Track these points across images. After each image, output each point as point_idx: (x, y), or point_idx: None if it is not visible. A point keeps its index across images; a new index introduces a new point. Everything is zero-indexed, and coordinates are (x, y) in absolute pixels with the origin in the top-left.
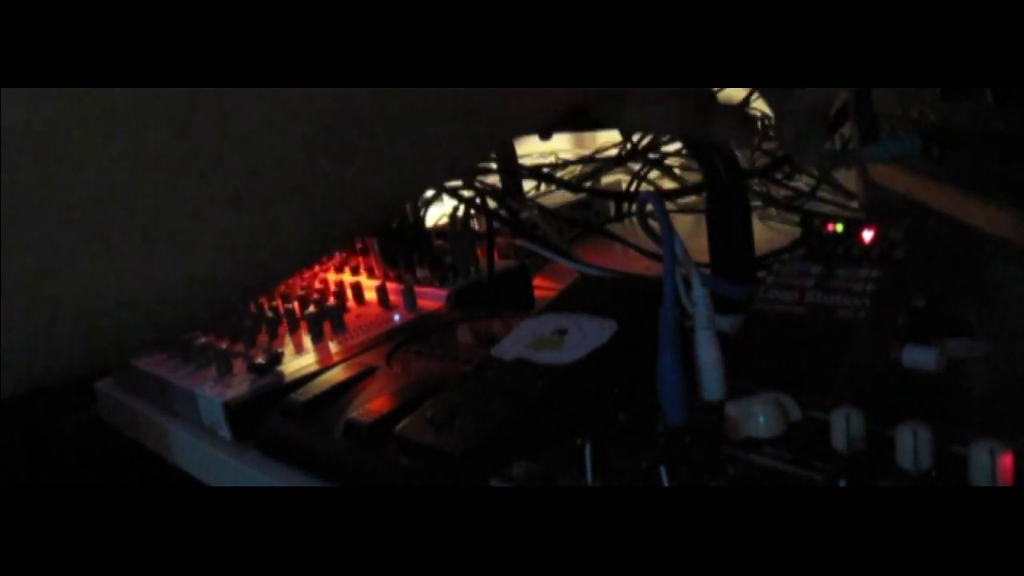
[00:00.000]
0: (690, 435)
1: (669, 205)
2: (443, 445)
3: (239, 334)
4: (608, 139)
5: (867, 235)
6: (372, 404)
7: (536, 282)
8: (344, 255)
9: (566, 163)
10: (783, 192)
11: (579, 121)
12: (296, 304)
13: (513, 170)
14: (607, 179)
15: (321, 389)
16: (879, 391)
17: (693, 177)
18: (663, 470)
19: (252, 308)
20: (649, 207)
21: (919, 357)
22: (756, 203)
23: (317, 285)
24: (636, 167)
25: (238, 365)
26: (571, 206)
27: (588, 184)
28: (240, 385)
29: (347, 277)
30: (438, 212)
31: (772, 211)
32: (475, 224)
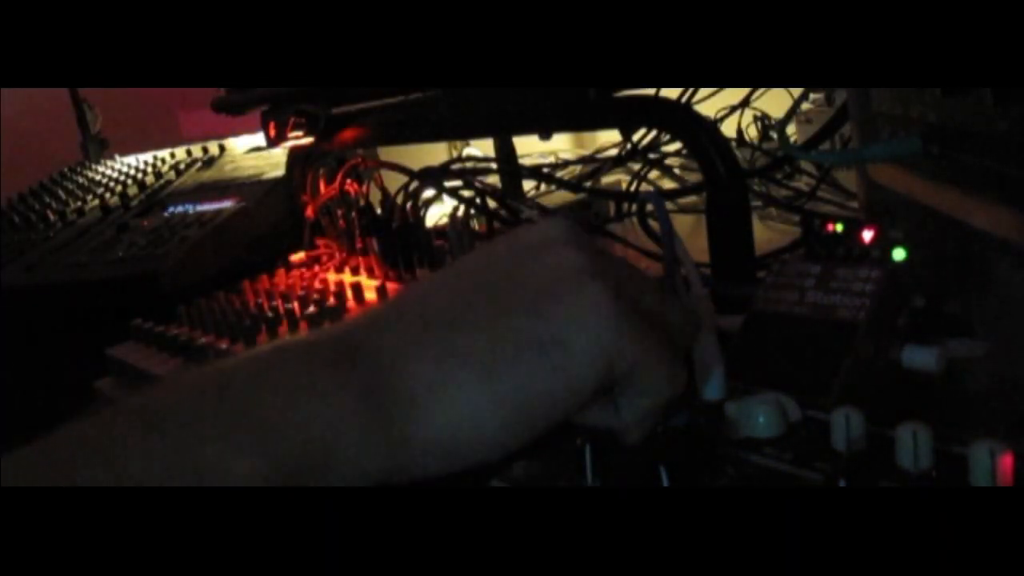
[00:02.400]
0: (690, 435)
1: (669, 205)
2: None
3: (239, 334)
4: (608, 139)
5: (867, 235)
6: None
7: None
8: (344, 255)
9: (566, 163)
10: (783, 192)
11: (579, 121)
12: (296, 304)
13: (513, 170)
14: (607, 179)
15: None
16: (879, 391)
17: (693, 177)
18: (663, 470)
19: (252, 308)
20: (649, 207)
21: (919, 357)
22: (756, 203)
23: (317, 285)
24: (636, 167)
25: None
26: (571, 206)
27: (588, 184)
28: None
29: (347, 277)
30: (438, 212)
31: (772, 211)
32: (475, 224)
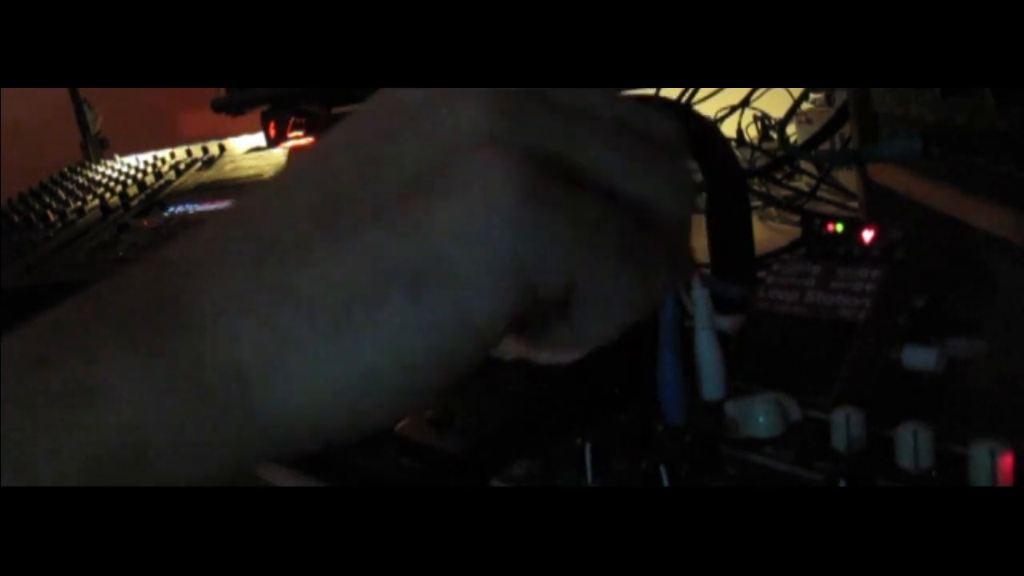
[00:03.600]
0: (690, 435)
1: None
2: (443, 445)
3: None
4: None
5: (867, 235)
6: None
7: None
8: None
9: None
10: (783, 192)
11: None
12: None
13: None
14: None
15: None
16: (879, 391)
17: (693, 177)
18: (663, 470)
19: None
20: None
21: (919, 357)
22: (756, 203)
23: None
24: None
25: None
26: None
27: None
28: None
29: None
30: None
31: (772, 211)
32: None
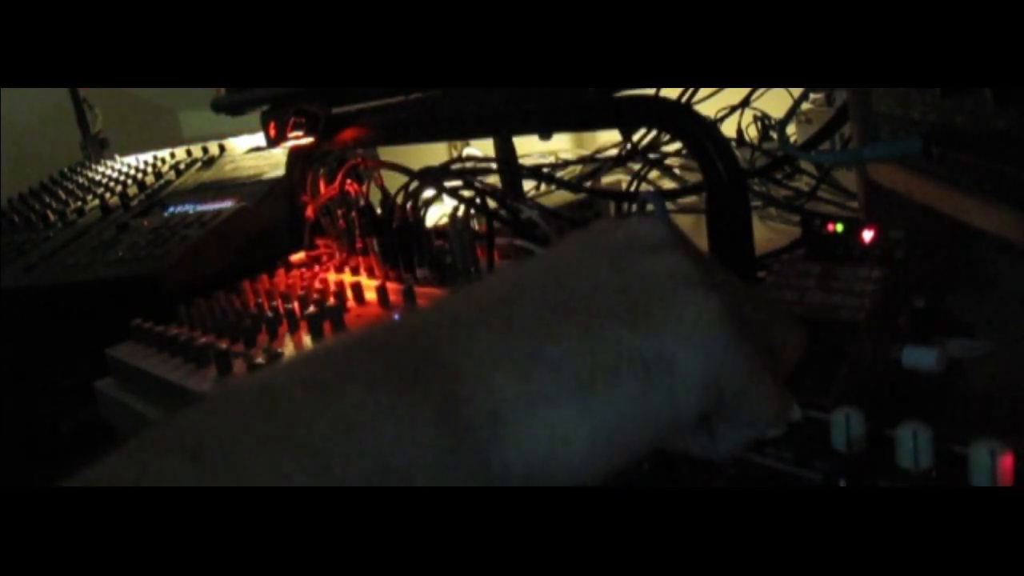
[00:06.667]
0: None
1: (669, 205)
2: None
3: (239, 334)
4: (608, 139)
5: (867, 235)
6: None
7: None
8: (344, 255)
9: (566, 163)
10: (783, 192)
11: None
12: (296, 304)
13: (513, 170)
14: (607, 179)
15: None
16: (879, 391)
17: (693, 177)
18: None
19: (252, 308)
20: (649, 207)
21: (919, 357)
22: (756, 203)
23: (317, 285)
24: (636, 167)
25: (238, 365)
26: (571, 206)
27: (588, 184)
28: None
29: (347, 277)
30: (438, 212)
31: (772, 211)
32: (475, 224)
